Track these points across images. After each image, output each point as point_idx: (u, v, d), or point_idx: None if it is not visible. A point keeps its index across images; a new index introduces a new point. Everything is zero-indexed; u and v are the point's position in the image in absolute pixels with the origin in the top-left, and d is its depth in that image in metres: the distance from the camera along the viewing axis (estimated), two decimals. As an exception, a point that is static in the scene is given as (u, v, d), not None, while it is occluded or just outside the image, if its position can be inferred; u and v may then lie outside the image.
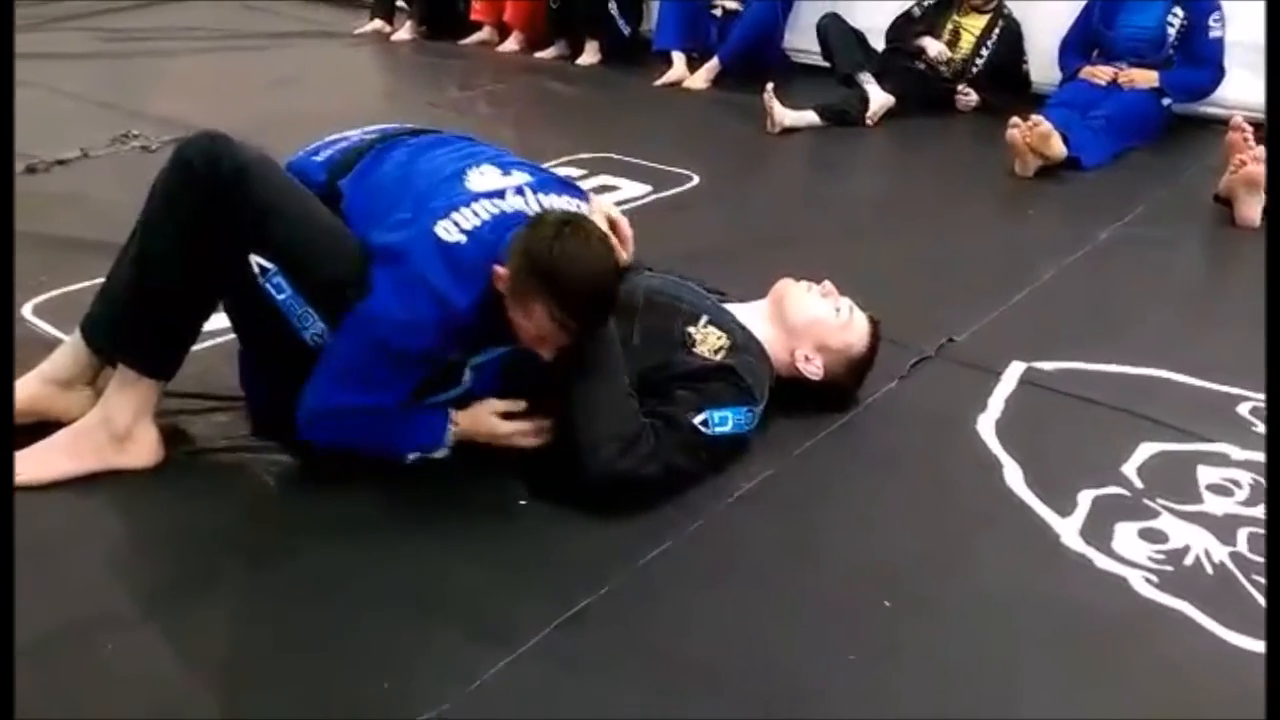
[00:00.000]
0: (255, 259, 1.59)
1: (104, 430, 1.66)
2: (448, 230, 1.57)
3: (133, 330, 1.65)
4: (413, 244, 1.57)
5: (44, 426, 1.70)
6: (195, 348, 1.71)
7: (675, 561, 1.55)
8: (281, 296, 1.61)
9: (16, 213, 2.72)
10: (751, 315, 1.92)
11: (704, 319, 1.81)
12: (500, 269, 1.56)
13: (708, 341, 1.79)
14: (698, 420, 1.70)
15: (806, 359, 1.89)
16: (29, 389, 1.73)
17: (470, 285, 1.57)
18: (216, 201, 1.57)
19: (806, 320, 1.91)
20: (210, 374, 1.88)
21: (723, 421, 1.72)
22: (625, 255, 1.79)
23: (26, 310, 2.20)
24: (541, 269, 1.52)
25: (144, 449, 1.68)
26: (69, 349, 1.76)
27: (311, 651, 1.36)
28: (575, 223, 1.57)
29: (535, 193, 1.67)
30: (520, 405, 1.70)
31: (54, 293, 2.26)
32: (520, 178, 1.69)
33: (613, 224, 1.78)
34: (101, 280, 1.76)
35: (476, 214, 1.60)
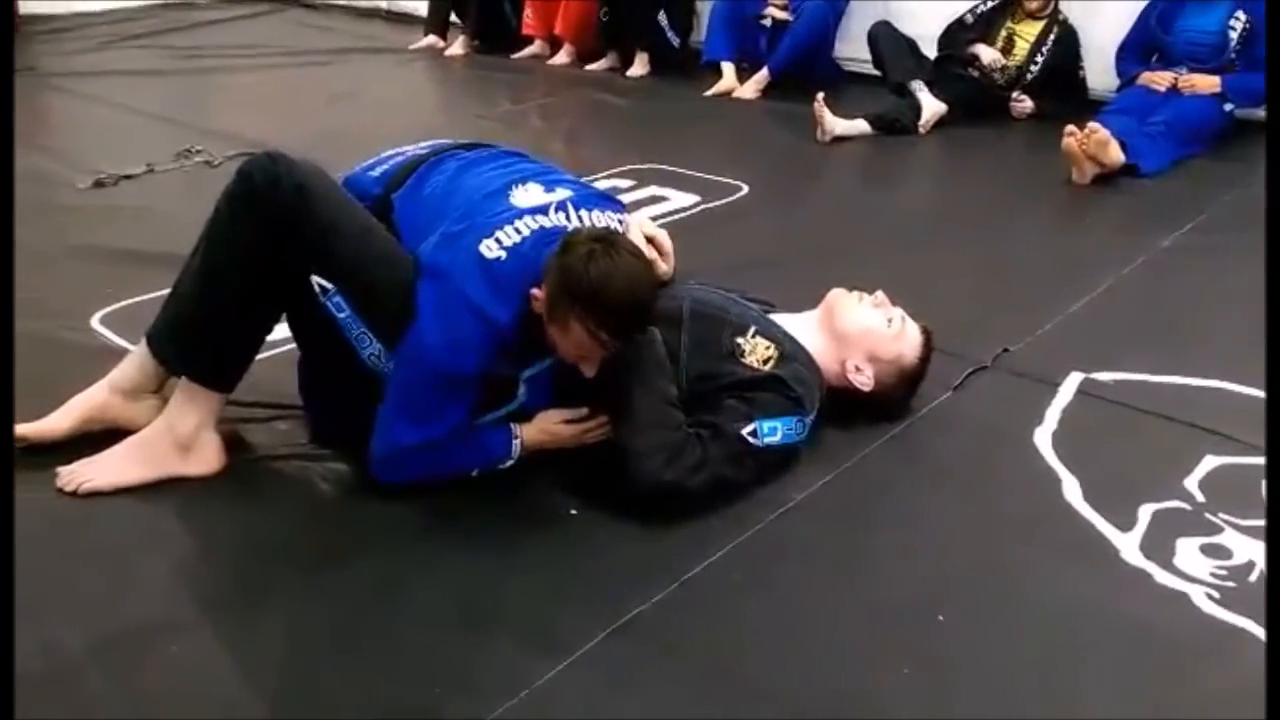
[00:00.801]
0: (316, 279, 1.63)
1: (168, 439, 1.70)
2: (489, 248, 1.60)
3: (195, 344, 1.70)
4: (455, 262, 1.60)
5: (111, 435, 1.75)
6: (258, 356, 1.75)
7: (725, 572, 1.55)
8: (341, 315, 1.65)
9: (84, 226, 2.84)
10: (801, 325, 1.91)
11: (752, 329, 1.82)
12: (536, 291, 1.58)
13: (756, 352, 1.79)
14: (746, 431, 1.70)
15: (857, 369, 1.88)
16: (98, 397, 1.79)
17: (510, 300, 1.59)
18: (277, 219, 1.61)
19: (858, 331, 1.89)
20: (271, 382, 1.92)
21: (772, 432, 1.72)
22: (665, 269, 1.80)
23: (94, 321, 2.27)
24: (576, 289, 1.53)
25: (206, 457, 1.72)
26: (135, 359, 1.81)
27: (365, 657, 1.38)
28: (607, 240, 1.58)
29: (577, 209, 1.69)
30: (581, 411, 1.73)
31: (121, 304, 2.33)
32: (563, 194, 1.72)
33: (651, 239, 1.79)
34: (167, 291, 1.81)
35: (519, 230, 1.62)
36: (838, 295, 1.94)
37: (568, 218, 1.67)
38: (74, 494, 1.65)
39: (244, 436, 1.85)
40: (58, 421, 1.76)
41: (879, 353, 1.89)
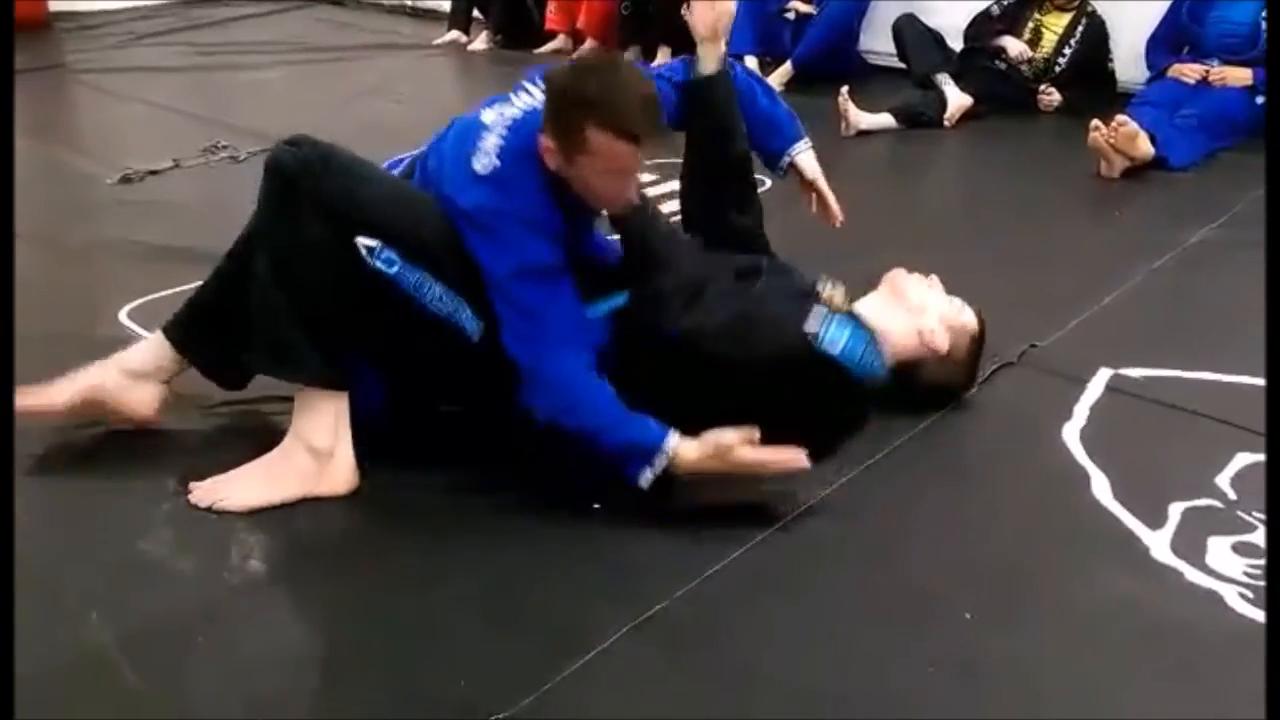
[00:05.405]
0: (361, 240, 1.61)
1: (304, 456, 1.65)
2: (482, 165, 1.61)
3: (302, 351, 1.63)
4: (473, 200, 1.62)
5: (151, 431, 1.75)
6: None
7: (749, 568, 1.54)
8: (393, 270, 1.62)
9: (113, 221, 2.86)
10: (868, 307, 1.87)
11: (829, 282, 1.84)
12: (544, 140, 1.58)
13: (835, 298, 1.80)
14: (809, 328, 1.69)
15: (933, 331, 1.88)
16: (101, 374, 1.76)
17: (524, 187, 1.60)
18: (319, 194, 1.59)
19: (926, 304, 1.92)
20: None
21: (835, 341, 1.70)
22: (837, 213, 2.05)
23: (122, 315, 2.28)
24: (582, 97, 1.53)
25: (338, 475, 1.66)
26: (151, 345, 1.79)
27: (390, 650, 1.39)
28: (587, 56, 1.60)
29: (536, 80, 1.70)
30: (754, 433, 1.57)
31: (147, 298, 2.34)
32: (531, 92, 1.71)
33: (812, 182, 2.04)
34: (194, 285, 1.81)
35: (494, 134, 1.64)
36: (901, 272, 1.97)
37: (530, 95, 1.68)
38: (209, 510, 1.61)
39: (272, 428, 1.85)
40: (59, 392, 1.74)
41: (949, 322, 1.91)
